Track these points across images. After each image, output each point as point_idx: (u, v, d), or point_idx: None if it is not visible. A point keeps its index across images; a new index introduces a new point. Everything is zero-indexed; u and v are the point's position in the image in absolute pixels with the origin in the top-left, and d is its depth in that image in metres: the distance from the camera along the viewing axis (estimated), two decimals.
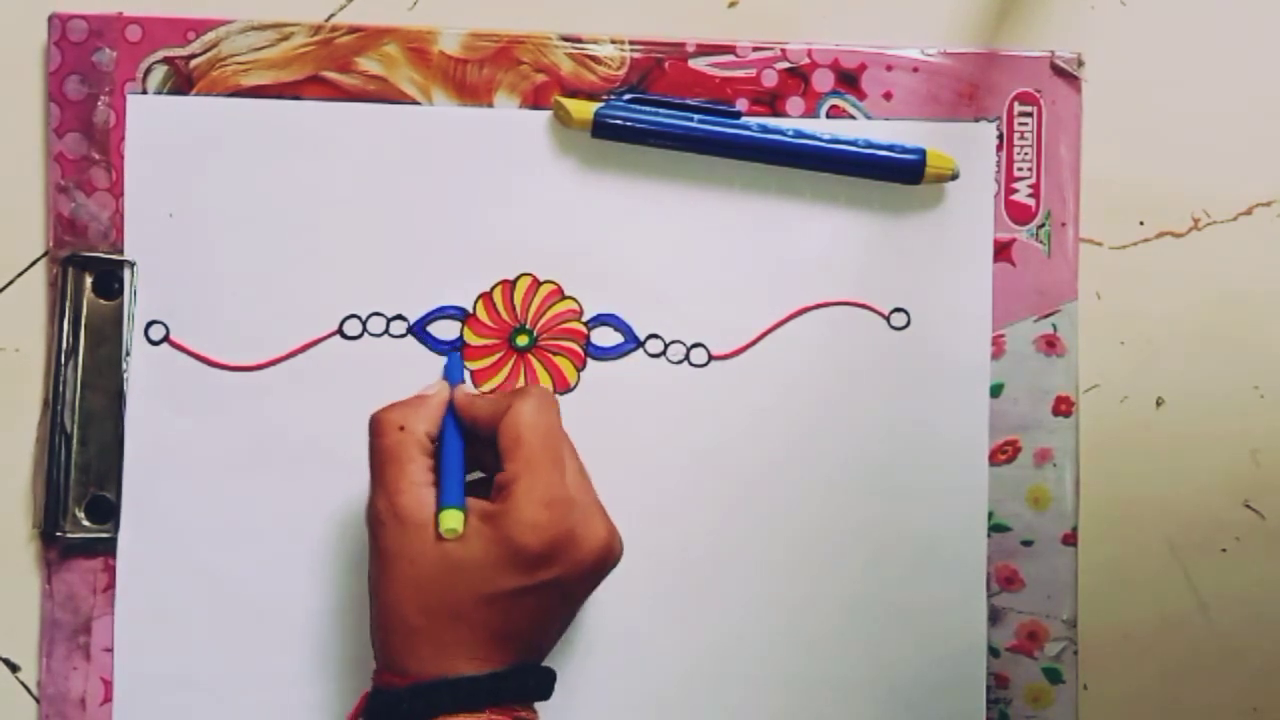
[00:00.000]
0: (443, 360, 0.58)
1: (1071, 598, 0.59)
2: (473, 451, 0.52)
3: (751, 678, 0.58)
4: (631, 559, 0.58)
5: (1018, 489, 0.59)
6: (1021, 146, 0.59)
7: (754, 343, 0.59)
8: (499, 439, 0.51)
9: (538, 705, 0.51)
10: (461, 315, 0.58)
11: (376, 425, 0.52)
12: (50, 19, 0.57)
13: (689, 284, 0.59)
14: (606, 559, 0.51)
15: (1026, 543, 0.59)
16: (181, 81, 0.58)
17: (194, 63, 0.58)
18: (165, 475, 0.58)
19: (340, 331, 0.58)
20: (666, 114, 0.58)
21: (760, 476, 0.58)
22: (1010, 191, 0.59)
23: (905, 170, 0.58)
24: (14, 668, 0.58)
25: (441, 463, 0.51)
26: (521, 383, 0.58)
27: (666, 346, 0.59)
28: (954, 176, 0.59)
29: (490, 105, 0.58)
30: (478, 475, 0.54)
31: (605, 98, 0.58)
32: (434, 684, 0.49)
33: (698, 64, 0.59)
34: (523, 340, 0.58)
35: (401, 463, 0.51)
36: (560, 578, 0.49)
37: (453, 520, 0.49)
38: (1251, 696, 0.60)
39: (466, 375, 0.57)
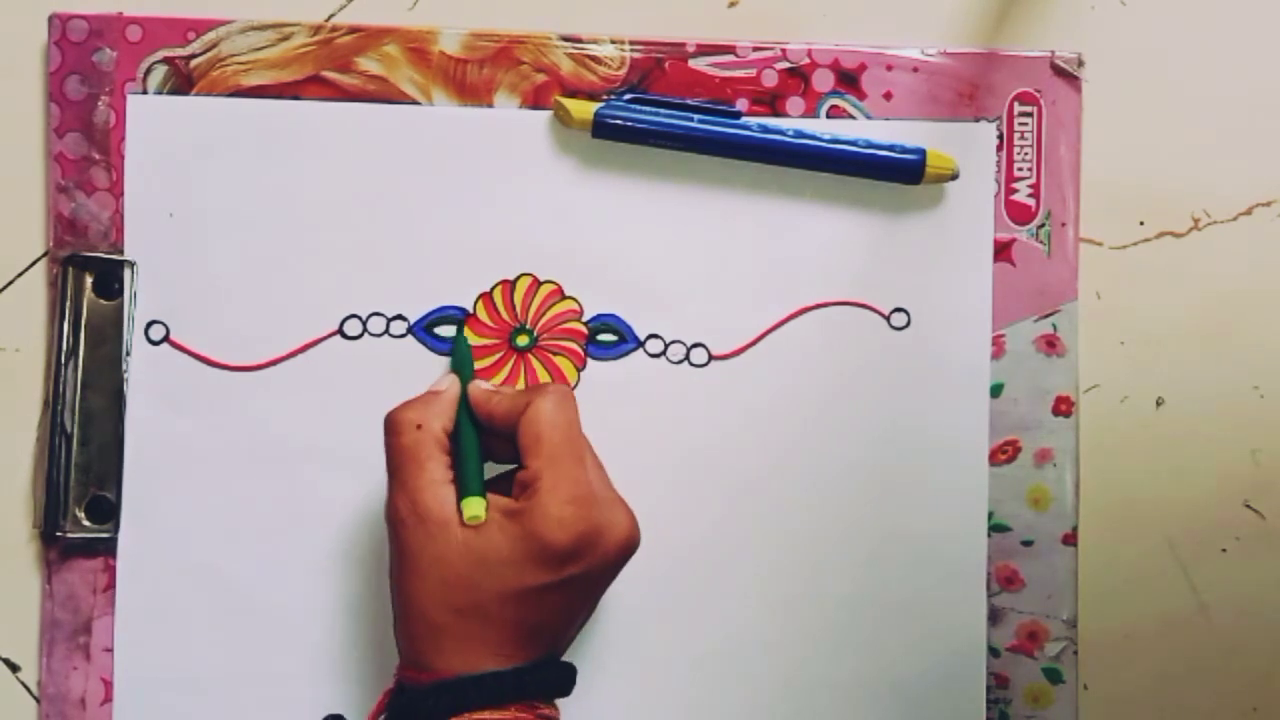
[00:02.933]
0: (445, 360, 0.58)
1: (1071, 598, 0.59)
2: (487, 444, 0.53)
3: (751, 677, 0.58)
4: (631, 559, 0.58)
5: (1018, 489, 0.59)
6: (1021, 146, 0.59)
7: (754, 343, 0.59)
8: (519, 436, 0.51)
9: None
10: (461, 315, 0.58)
11: (393, 424, 0.52)
12: (50, 19, 0.57)
13: (689, 284, 0.59)
14: (629, 551, 0.51)
15: (1026, 543, 0.59)
16: (181, 81, 0.58)
17: (194, 63, 0.58)
18: (165, 475, 0.58)
19: (340, 331, 0.58)
20: (666, 114, 0.58)
21: (760, 476, 0.58)
22: (1010, 191, 0.59)
23: (905, 170, 0.58)
24: (14, 668, 0.58)
25: (459, 455, 0.52)
26: (521, 383, 0.58)
27: (666, 346, 0.59)
28: (954, 176, 0.59)
29: (490, 105, 0.58)
30: (496, 472, 0.54)
31: (605, 98, 0.58)
32: (459, 681, 0.49)
33: (698, 64, 0.59)
34: (523, 340, 0.58)
35: (420, 461, 0.51)
36: (586, 572, 0.50)
37: (476, 507, 0.50)
38: (1251, 696, 0.60)
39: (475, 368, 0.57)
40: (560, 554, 0.49)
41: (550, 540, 0.49)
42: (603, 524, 0.50)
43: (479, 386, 0.54)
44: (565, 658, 0.52)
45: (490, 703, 0.49)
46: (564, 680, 0.51)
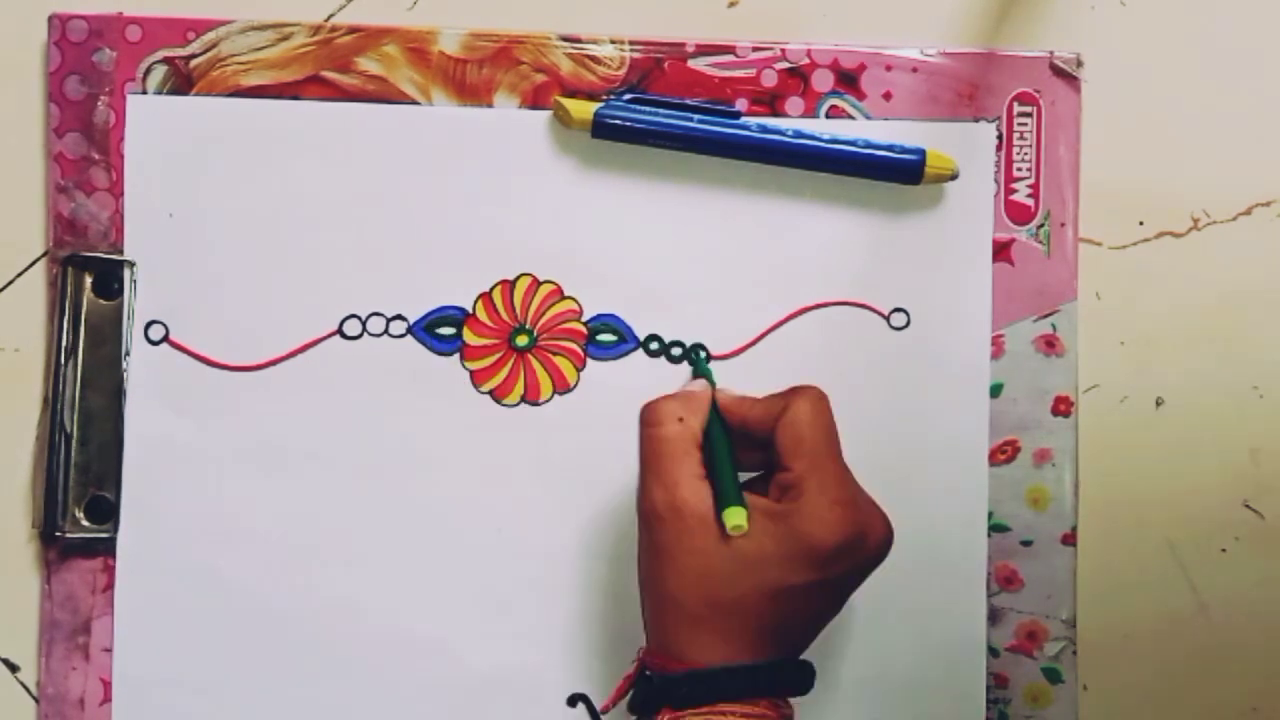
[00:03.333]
0: (445, 360, 0.58)
1: (1071, 598, 0.59)
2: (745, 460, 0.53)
3: None
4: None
5: (1017, 489, 0.59)
6: (1021, 146, 0.59)
7: (754, 343, 0.59)
8: (778, 439, 0.51)
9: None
10: (461, 315, 0.58)
11: (654, 414, 0.52)
12: (50, 19, 0.57)
13: (689, 284, 0.59)
14: (886, 551, 0.52)
15: (1026, 543, 0.59)
16: (181, 81, 0.58)
17: (194, 63, 0.58)
18: (165, 475, 0.58)
19: (340, 331, 0.58)
20: (666, 114, 0.58)
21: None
22: (1010, 191, 0.59)
23: (905, 170, 0.58)
24: (14, 668, 0.58)
25: (715, 461, 0.52)
26: (521, 383, 0.58)
27: (666, 346, 0.59)
28: (954, 176, 0.59)
29: (490, 105, 0.58)
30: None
31: (605, 98, 0.58)
32: (714, 671, 0.49)
33: (697, 64, 0.59)
34: (523, 340, 0.58)
35: (679, 456, 0.51)
36: (847, 573, 0.51)
37: (739, 517, 0.50)
38: (1251, 696, 0.60)
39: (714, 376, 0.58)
40: (827, 555, 0.49)
41: (818, 541, 0.49)
42: (866, 526, 0.51)
43: (729, 393, 0.54)
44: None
45: (743, 695, 0.49)
46: (807, 679, 0.52)
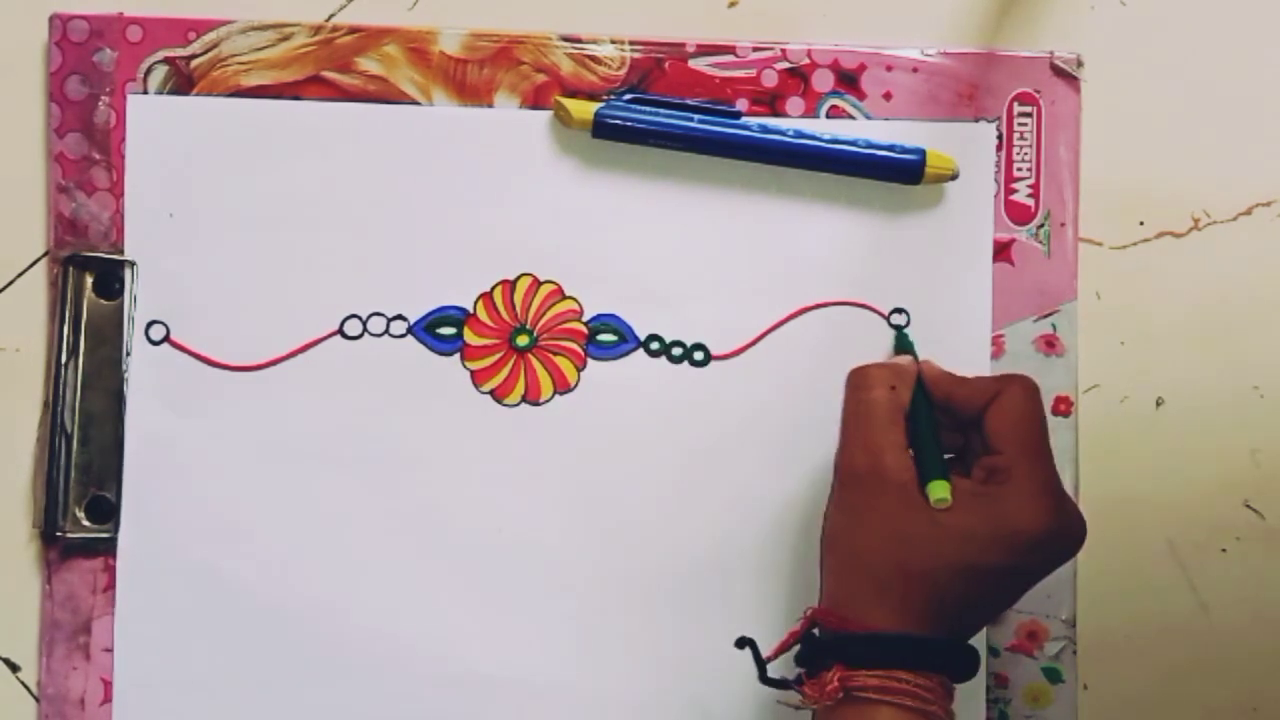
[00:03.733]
0: (445, 360, 0.58)
1: (1071, 598, 0.59)
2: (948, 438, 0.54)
3: (752, 676, 0.58)
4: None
5: None
6: (1021, 147, 0.59)
7: (754, 343, 0.59)
8: (990, 422, 0.52)
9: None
10: (462, 315, 0.58)
11: (865, 378, 0.53)
12: (51, 19, 0.57)
13: (689, 284, 0.59)
14: (1075, 550, 0.52)
15: None
16: (182, 81, 0.58)
17: (194, 63, 0.58)
18: (165, 475, 0.58)
19: (340, 331, 0.58)
20: (666, 114, 0.58)
21: (760, 476, 0.58)
22: (1010, 191, 0.59)
23: (905, 170, 0.58)
24: (14, 668, 0.58)
25: (921, 434, 0.52)
26: (522, 383, 0.58)
27: (666, 346, 0.59)
28: (954, 176, 0.59)
29: (490, 105, 0.58)
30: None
31: (605, 98, 0.58)
32: (895, 637, 0.50)
33: (698, 64, 0.59)
34: (523, 340, 0.58)
35: (886, 422, 0.52)
36: (1042, 563, 0.51)
37: (943, 490, 0.50)
38: (1251, 696, 0.60)
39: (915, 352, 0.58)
40: (1030, 541, 0.50)
41: (1024, 527, 0.50)
42: (1068, 521, 0.51)
43: (935, 367, 0.55)
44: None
45: (916, 666, 0.49)
46: (974, 665, 0.52)
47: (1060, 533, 0.51)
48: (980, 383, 0.53)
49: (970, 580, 0.50)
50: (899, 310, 0.59)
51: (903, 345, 0.58)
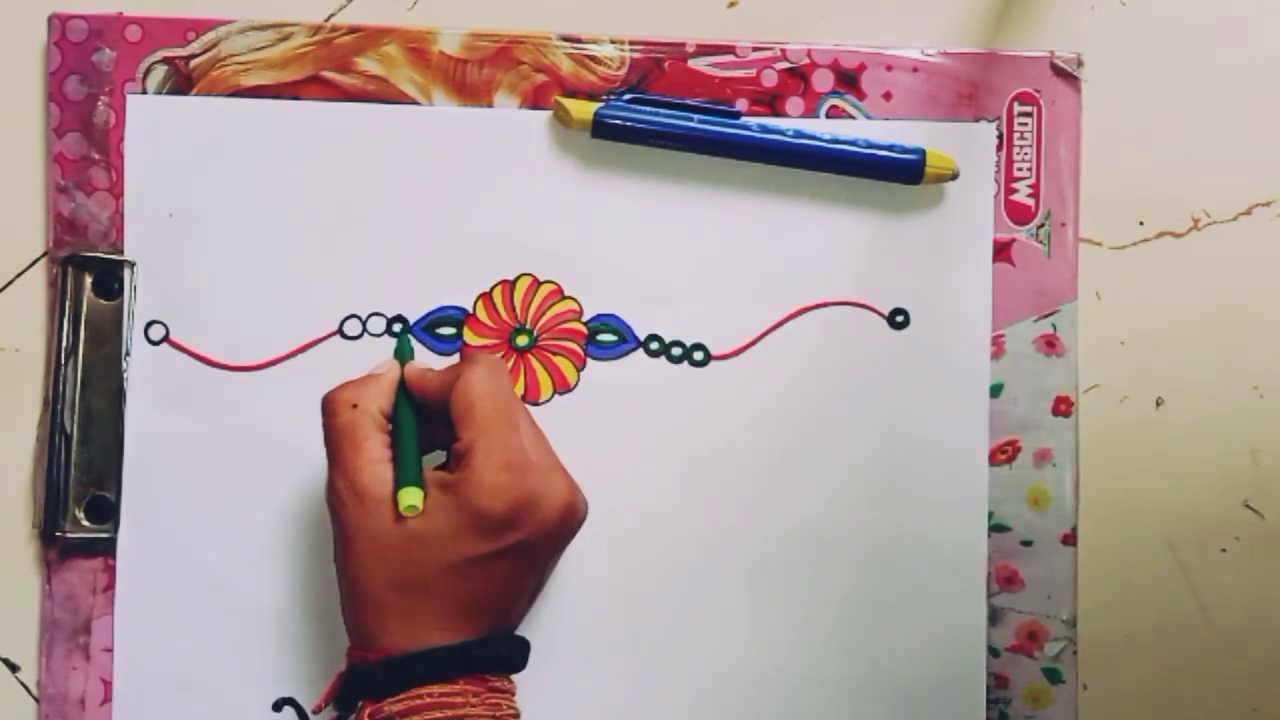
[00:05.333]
0: (445, 360, 0.58)
1: (1071, 598, 0.59)
2: (429, 430, 0.53)
3: (751, 677, 0.58)
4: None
5: (1018, 489, 0.59)
6: (1021, 146, 0.59)
7: (754, 343, 0.59)
8: (452, 408, 0.51)
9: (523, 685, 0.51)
10: (461, 315, 0.58)
11: (329, 405, 0.52)
12: (50, 19, 0.57)
13: (689, 284, 0.59)
14: (570, 518, 0.51)
15: (1026, 543, 0.59)
16: (181, 81, 0.58)
17: (194, 63, 0.58)
18: (165, 475, 0.58)
19: (340, 331, 0.58)
20: (666, 114, 0.58)
21: (760, 476, 0.58)
22: (1010, 191, 0.59)
23: (905, 170, 0.58)
24: (14, 668, 0.58)
25: (397, 440, 0.52)
26: (522, 383, 0.58)
27: (666, 346, 0.59)
28: (954, 176, 0.59)
29: (490, 105, 0.58)
30: (440, 462, 0.53)
31: (605, 98, 0.58)
32: (406, 656, 0.49)
33: (698, 64, 0.59)
34: (523, 340, 0.58)
35: (357, 441, 0.51)
36: (526, 540, 0.50)
37: (412, 498, 0.49)
38: (1251, 696, 0.60)
39: (417, 352, 0.57)
40: (496, 522, 0.49)
41: (485, 508, 0.49)
42: (539, 490, 0.50)
43: (414, 366, 0.54)
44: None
45: (439, 677, 0.49)
46: (515, 654, 0.51)
47: (528, 507, 0.49)
48: (448, 370, 0.53)
49: (465, 576, 0.49)
50: (899, 310, 0.59)
51: (398, 347, 0.56)
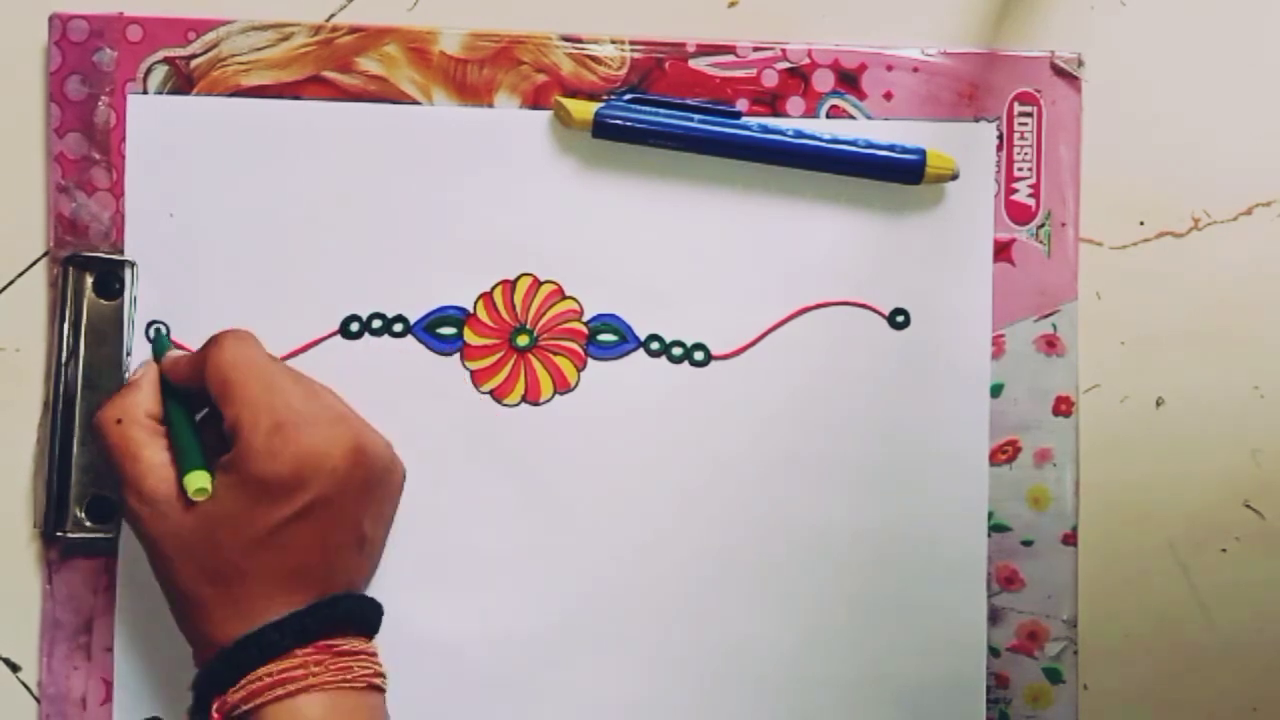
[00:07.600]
0: (446, 359, 0.58)
1: (1071, 598, 0.59)
2: (214, 423, 0.52)
3: (751, 677, 0.58)
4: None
5: (1018, 489, 0.59)
6: (1021, 146, 0.59)
7: (754, 343, 0.59)
8: (209, 389, 0.51)
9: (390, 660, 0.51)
10: (462, 315, 0.58)
11: (96, 428, 0.53)
12: (50, 19, 0.57)
13: (689, 284, 0.59)
14: (361, 461, 0.51)
15: (1026, 543, 0.59)
16: (182, 81, 0.58)
17: (194, 63, 0.58)
18: None
19: (340, 331, 0.58)
20: (666, 114, 0.58)
21: (760, 476, 0.58)
22: (1010, 191, 0.59)
23: (905, 170, 0.58)
24: (14, 668, 0.58)
25: (171, 435, 0.52)
26: (522, 383, 0.58)
27: (666, 346, 0.59)
28: (954, 176, 0.59)
29: (490, 105, 0.58)
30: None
31: (605, 98, 0.58)
32: (236, 643, 0.49)
33: (698, 64, 0.59)
34: (523, 340, 0.58)
35: (132, 452, 0.51)
36: (319, 496, 0.49)
37: (199, 480, 0.50)
38: (1251, 696, 0.60)
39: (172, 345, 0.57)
40: (282, 485, 0.49)
41: (266, 475, 0.49)
42: (317, 444, 0.49)
43: (168, 356, 0.54)
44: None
45: (274, 653, 0.48)
46: (358, 613, 0.51)
47: (309, 462, 0.49)
48: (196, 354, 0.53)
49: (273, 547, 0.49)
50: (899, 310, 0.59)
51: (155, 349, 0.56)
